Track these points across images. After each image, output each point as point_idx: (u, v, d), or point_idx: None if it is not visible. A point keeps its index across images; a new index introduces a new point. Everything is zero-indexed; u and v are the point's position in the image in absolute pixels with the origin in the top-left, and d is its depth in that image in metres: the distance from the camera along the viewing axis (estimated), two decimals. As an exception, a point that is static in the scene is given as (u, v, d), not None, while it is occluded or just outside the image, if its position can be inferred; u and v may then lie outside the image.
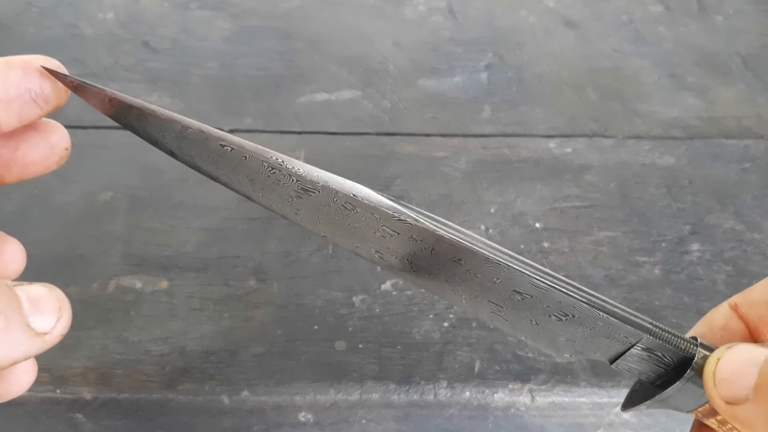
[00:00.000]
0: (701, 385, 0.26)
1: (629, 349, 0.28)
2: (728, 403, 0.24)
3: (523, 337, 0.29)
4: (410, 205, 0.27)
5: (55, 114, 0.27)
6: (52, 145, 0.28)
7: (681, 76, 0.67)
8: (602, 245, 0.51)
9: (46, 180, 0.46)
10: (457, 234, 0.27)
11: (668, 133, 0.61)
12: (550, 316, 0.27)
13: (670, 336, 0.27)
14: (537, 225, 0.53)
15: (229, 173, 0.27)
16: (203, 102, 0.62)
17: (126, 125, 0.27)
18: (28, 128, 0.28)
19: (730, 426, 0.27)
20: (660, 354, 0.27)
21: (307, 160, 0.57)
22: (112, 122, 0.28)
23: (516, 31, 0.71)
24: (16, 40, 0.67)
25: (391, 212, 0.27)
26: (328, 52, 0.67)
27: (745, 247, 0.52)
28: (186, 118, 0.27)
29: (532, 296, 0.27)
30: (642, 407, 0.29)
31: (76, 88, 0.26)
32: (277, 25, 0.70)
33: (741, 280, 0.50)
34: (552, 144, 0.59)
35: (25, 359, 0.24)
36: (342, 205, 0.27)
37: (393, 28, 0.71)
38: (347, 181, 0.27)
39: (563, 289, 0.27)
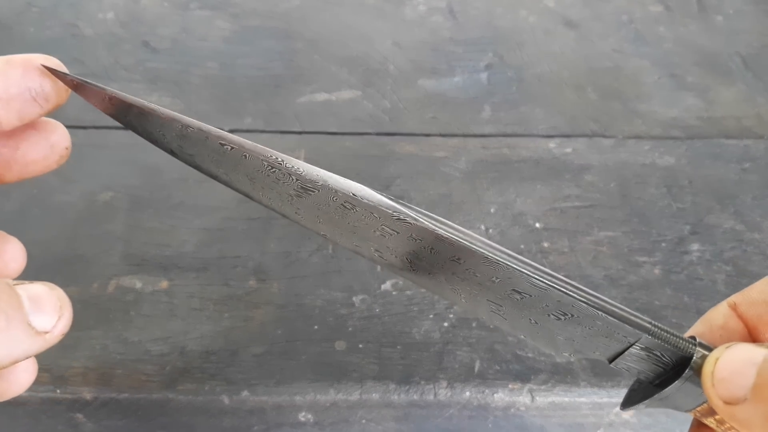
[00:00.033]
0: (700, 385, 0.26)
1: (628, 348, 0.28)
2: (726, 403, 0.24)
3: (522, 336, 0.29)
4: (410, 205, 0.27)
5: (54, 113, 0.27)
6: (53, 144, 0.28)
7: (681, 76, 0.67)
8: (602, 245, 0.51)
9: (46, 180, 0.46)
10: (456, 233, 0.27)
11: (668, 133, 0.61)
12: (549, 315, 0.28)
13: (668, 335, 0.27)
14: (537, 225, 0.53)
15: (229, 172, 0.27)
16: (203, 102, 0.62)
17: (126, 124, 0.27)
18: (29, 127, 0.28)
19: (728, 425, 0.27)
20: (659, 353, 0.28)
21: (307, 160, 0.57)
22: (112, 122, 0.28)
23: (516, 31, 0.71)
24: (16, 40, 0.67)
25: (390, 211, 0.27)
26: (328, 52, 0.67)
27: (745, 247, 0.52)
28: (186, 117, 0.27)
29: (530, 295, 0.27)
30: (641, 406, 0.29)
31: (77, 86, 0.26)
32: (277, 25, 0.70)
33: (741, 280, 0.50)
34: (552, 144, 0.59)
35: (26, 358, 0.24)
36: (341, 204, 0.27)
37: (393, 28, 0.71)
38: (346, 180, 0.27)
39: (562, 289, 0.27)
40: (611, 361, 0.28)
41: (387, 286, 0.48)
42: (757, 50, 0.70)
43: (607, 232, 0.52)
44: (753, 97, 0.65)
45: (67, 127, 0.29)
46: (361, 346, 0.45)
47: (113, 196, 0.53)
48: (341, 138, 0.59)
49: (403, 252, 0.27)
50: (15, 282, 0.24)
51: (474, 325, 0.46)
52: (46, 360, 0.43)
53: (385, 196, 0.27)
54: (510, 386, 0.43)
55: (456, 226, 0.27)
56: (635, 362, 0.28)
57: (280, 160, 0.26)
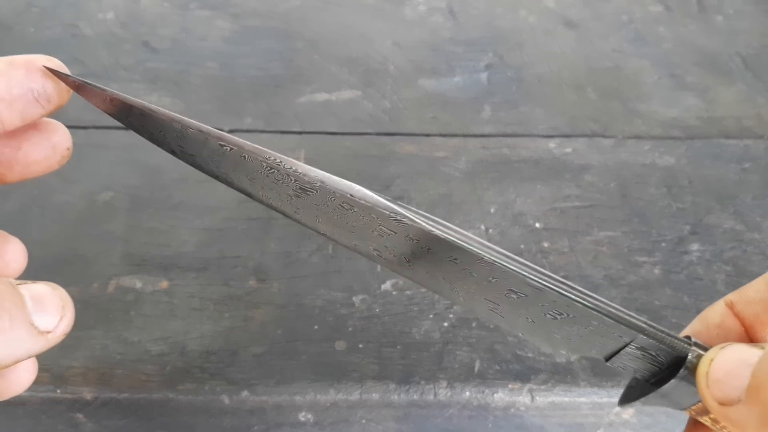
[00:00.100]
0: (695, 384, 0.26)
1: (624, 347, 0.28)
2: (721, 404, 0.24)
3: (520, 334, 0.29)
4: (407, 205, 0.27)
5: (55, 114, 0.27)
6: (54, 144, 0.28)
7: (681, 76, 0.67)
8: (602, 245, 0.52)
9: (47, 180, 0.46)
10: (453, 234, 0.27)
11: (668, 133, 0.61)
12: (545, 314, 0.28)
13: (663, 336, 0.27)
14: (537, 225, 0.53)
15: (229, 172, 0.27)
16: (203, 102, 0.62)
17: (128, 124, 0.27)
18: (30, 128, 0.28)
19: (723, 424, 0.27)
20: (654, 353, 0.28)
21: (307, 160, 0.57)
22: (112, 122, 0.28)
23: (516, 31, 0.71)
24: (16, 40, 0.67)
25: (387, 212, 0.27)
26: (328, 52, 0.67)
27: (745, 247, 0.52)
28: (186, 119, 0.27)
29: (526, 295, 0.27)
30: (637, 404, 0.30)
31: (78, 87, 0.27)
32: (277, 25, 0.70)
33: (741, 280, 0.50)
34: (552, 144, 0.59)
35: (28, 358, 0.24)
36: (340, 204, 0.27)
37: (393, 28, 0.71)
38: (344, 181, 0.27)
39: (557, 289, 0.27)
40: (608, 359, 0.29)
41: (387, 286, 0.48)
42: (757, 50, 0.70)
43: (607, 232, 0.53)
44: (753, 97, 0.65)
45: (68, 127, 0.29)
46: (361, 346, 0.45)
47: (113, 196, 0.53)
48: (341, 138, 0.59)
49: (402, 252, 0.28)
50: (18, 282, 0.24)
51: (474, 325, 0.46)
52: (47, 360, 0.43)
53: (382, 197, 0.27)
54: (510, 386, 0.43)
55: (453, 226, 0.28)
56: (631, 361, 0.28)
57: (278, 161, 0.27)
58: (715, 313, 0.30)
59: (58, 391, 0.42)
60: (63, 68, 0.26)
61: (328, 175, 0.27)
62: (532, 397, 0.43)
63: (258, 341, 0.45)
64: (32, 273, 0.29)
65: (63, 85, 0.27)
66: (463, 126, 0.61)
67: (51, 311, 0.24)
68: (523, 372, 0.44)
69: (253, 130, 0.59)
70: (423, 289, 0.48)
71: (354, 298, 0.47)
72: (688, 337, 0.28)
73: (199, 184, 0.54)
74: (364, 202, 0.27)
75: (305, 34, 0.69)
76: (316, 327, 0.46)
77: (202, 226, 0.51)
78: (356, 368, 0.44)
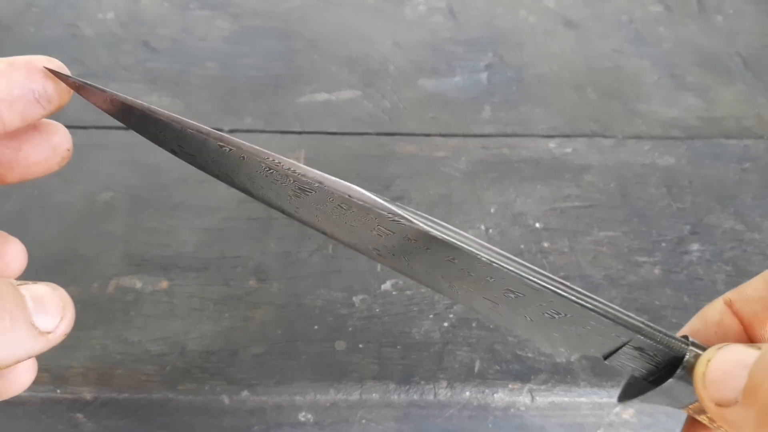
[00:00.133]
0: (692, 383, 0.26)
1: (621, 347, 0.28)
2: (718, 405, 0.24)
3: (519, 332, 0.29)
4: (405, 206, 0.27)
5: (55, 114, 0.28)
6: (54, 146, 0.29)
7: (681, 76, 0.67)
8: (602, 245, 0.52)
9: (47, 180, 0.46)
10: (451, 234, 0.27)
11: (668, 133, 0.61)
12: (543, 313, 0.28)
13: (660, 336, 0.28)
14: (537, 225, 0.53)
15: (230, 172, 0.28)
16: (203, 102, 0.62)
17: (129, 124, 0.28)
18: (31, 129, 0.28)
19: (720, 424, 0.27)
20: (651, 353, 0.28)
21: (307, 160, 0.57)
22: (112, 122, 0.28)
23: (516, 31, 0.71)
24: (16, 40, 0.67)
25: (385, 213, 0.27)
26: (328, 52, 0.67)
27: (745, 247, 0.52)
28: (185, 119, 0.27)
29: (524, 295, 0.28)
30: (635, 401, 0.30)
31: (78, 88, 0.27)
32: (277, 25, 0.70)
33: (741, 280, 0.49)
34: (552, 144, 0.59)
35: (28, 358, 0.24)
36: (338, 205, 0.27)
37: (393, 28, 0.71)
38: (341, 181, 0.27)
39: (554, 289, 0.27)
40: (606, 357, 0.29)
41: (387, 286, 0.48)
42: (757, 50, 0.70)
43: (607, 232, 0.53)
44: (753, 97, 0.65)
45: (68, 127, 0.30)
46: (361, 346, 0.45)
47: (113, 196, 0.53)
48: (341, 138, 0.59)
49: (401, 251, 0.28)
50: (18, 282, 0.24)
51: (474, 325, 0.46)
52: (46, 360, 0.43)
53: (380, 198, 0.27)
54: (510, 386, 0.43)
55: (451, 227, 0.28)
56: (629, 360, 0.29)
57: (276, 162, 0.27)
58: (714, 311, 0.30)
59: (58, 391, 0.42)
60: (63, 69, 0.27)
61: (326, 175, 0.27)
62: (532, 397, 0.43)
63: (258, 341, 0.45)
64: (32, 273, 0.29)
65: (63, 85, 0.27)
66: (463, 126, 0.61)
67: (51, 312, 0.24)
68: (523, 372, 0.44)
69: (253, 130, 0.59)
70: (423, 289, 0.48)
71: (354, 298, 0.47)
72: (686, 337, 0.28)
73: (199, 184, 0.54)
74: (361, 203, 0.27)
75: (305, 34, 0.69)
76: (316, 327, 0.46)
77: (202, 226, 0.51)
78: (356, 368, 0.44)
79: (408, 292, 0.48)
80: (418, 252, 0.28)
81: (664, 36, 0.71)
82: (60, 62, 0.27)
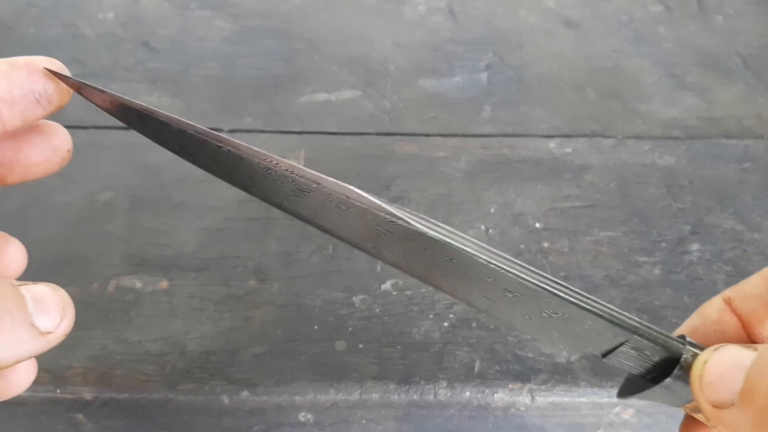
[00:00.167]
0: (689, 383, 0.26)
1: (619, 347, 0.28)
2: (714, 406, 0.24)
3: (519, 329, 0.30)
4: (402, 207, 0.28)
5: (55, 114, 0.28)
6: (55, 147, 0.29)
7: (681, 76, 0.67)
8: (602, 245, 0.52)
9: (47, 180, 0.46)
10: (449, 235, 0.28)
11: (668, 133, 0.61)
12: (541, 313, 0.28)
13: (657, 336, 0.28)
14: (537, 225, 0.53)
15: (230, 172, 0.28)
16: (203, 102, 0.62)
17: (129, 124, 0.28)
18: (31, 130, 0.28)
19: (716, 424, 0.28)
20: (648, 353, 0.28)
21: (307, 160, 0.57)
22: (112, 122, 0.28)
23: (516, 31, 0.71)
24: (16, 40, 0.67)
25: (382, 214, 0.27)
26: (328, 52, 0.67)
27: (745, 247, 0.52)
28: (184, 120, 0.27)
29: (522, 294, 0.28)
30: (633, 399, 0.30)
31: (78, 89, 0.27)
32: (277, 25, 0.70)
33: (741, 280, 0.49)
34: (552, 144, 0.59)
35: (28, 358, 0.24)
36: (336, 205, 0.27)
37: (393, 28, 0.71)
38: (339, 182, 0.27)
39: (551, 289, 0.28)
40: (604, 356, 0.29)
41: (387, 286, 0.48)
42: (757, 50, 0.70)
43: (607, 232, 0.53)
44: (753, 97, 0.65)
45: (68, 127, 0.30)
46: (361, 346, 0.45)
47: (113, 196, 0.53)
48: (341, 138, 0.59)
49: (400, 251, 0.28)
50: (19, 282, 0.24)
51: (474, 325, 0.46)
52: (46, 360, 0.43)
53: (377, 199, 0.27)
54: (510, 386, 0.43)
55: (449, 227, 0.28)
56: (627, 359, 0.29)
57: (274, 163, 0.27)
58: (713, 309, 0.30)
59: (58, 391, 0.42)
60: (64, 70, 0.27)
61: (323, 176, 0.27)
62: (532, 397, 0.43)
63: (258, 341, 0.45)
64: (32, 273, 0.29)
65: (64, 86, 0.27)
66: (463, 126, 0.61)
67: (52, 312, 0.24)
68: (523, 372, 0.44)
69: (253, 130, 0.59)
70: (423, 289, 0.48)
71: (354, 298, 0.47)
72: (683, 337, 0.28)
73: (199, 184, 0.54)
74: (359, 204, 0.27)
75: (305, 34, 0.69)
76: (316, 327, 0.46)
77: (202, 226, 0.51)
78: (356, 368, 0.44)
79: (408, 292, 0.48)
80: (417, 252, 0.28)
81: (664, 36, 0.71)
82: (60, 63, 0.27)
